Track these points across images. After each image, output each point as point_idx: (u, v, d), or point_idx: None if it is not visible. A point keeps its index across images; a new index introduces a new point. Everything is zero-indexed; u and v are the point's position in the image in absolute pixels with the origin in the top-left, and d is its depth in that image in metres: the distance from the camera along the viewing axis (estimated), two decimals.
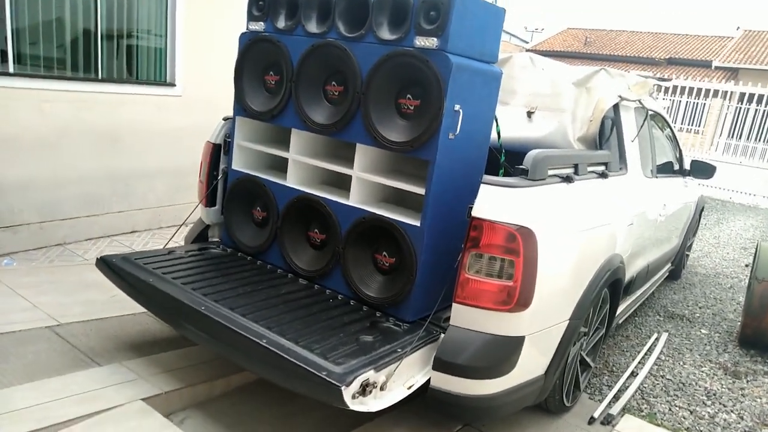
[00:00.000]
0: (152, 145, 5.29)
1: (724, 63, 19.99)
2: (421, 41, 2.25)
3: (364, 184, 2.59)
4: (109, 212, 5.14)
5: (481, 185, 2.20)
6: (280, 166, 3.09)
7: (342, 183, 2.80)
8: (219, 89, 4.78)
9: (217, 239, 3.24)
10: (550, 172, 2.53)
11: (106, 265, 2.60)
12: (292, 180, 2.81)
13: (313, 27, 2.59)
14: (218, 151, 3.16)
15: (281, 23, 2.70)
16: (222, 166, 3.17)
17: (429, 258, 2.41)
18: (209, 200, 3.18)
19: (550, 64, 3.67)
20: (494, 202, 2.20)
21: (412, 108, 2.37)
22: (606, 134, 3.35)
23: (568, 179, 2.60)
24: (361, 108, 2.43)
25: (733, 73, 19.51)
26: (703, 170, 4.88)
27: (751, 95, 14.77)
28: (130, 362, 2.62)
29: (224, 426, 2.42)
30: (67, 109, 4.63)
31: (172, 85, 5.43)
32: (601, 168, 3.13)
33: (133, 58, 5.18)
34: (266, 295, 2.50)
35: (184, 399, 2.50)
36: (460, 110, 2.29)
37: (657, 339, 4.09)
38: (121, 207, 5.23)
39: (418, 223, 2.36)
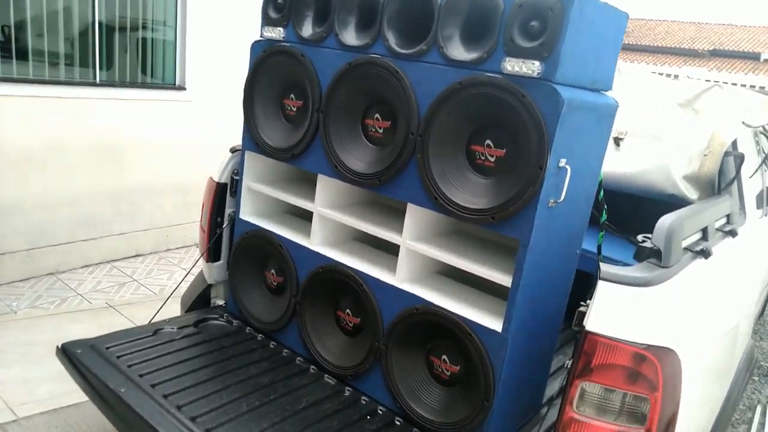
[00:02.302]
0: (160, 157, 4.64)
1: None
2: (513, 65, 1.50)
3: (417, 259, 1.87)
4: (110, 235, 4.51)
5: (599, 283, 1.46)
6: (302, 218, 2.38)
7: (385, 246, 2.08)
8: (236, 94, 4.09)
9: (222, 302, 2.56)
10: (683, 244, 1.78)
11: (68, 358, 1.93)
12: (318, 241, 2.10)
13: (351, 38, 1.86)
14: (223, 192, 2.46)
15: (307, 30, 1.97)
16: (228, 210, 2.47)
17: (513, 374, 1.68)
18: (212, 254, 2.50)
19: (637, 74, 2.88)
20: (619, 309, 1.46)
21: (493, 160, 1.63)
22: (726, 172, 2.56)
23: (703, 253, 1.84)
24: (417, 155, 1.70)
25: None
26: None
27: None
28: None
29: None
30: (59, 118, 4.00)
31: (182, 88, 4.76)
32: (724, 221, 2.36)
33: (136, 57, 4.51)
34: (281, 410, 1.80)
35: None
36: (567, 166, 1.54)
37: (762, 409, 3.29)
38: (124, 228, 4.60)
39: (498, 327, 1.63)
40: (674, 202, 2.61)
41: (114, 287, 4.11)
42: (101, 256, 4.49)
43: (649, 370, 1.44)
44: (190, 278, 2.74)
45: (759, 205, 2.99)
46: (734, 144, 2.59)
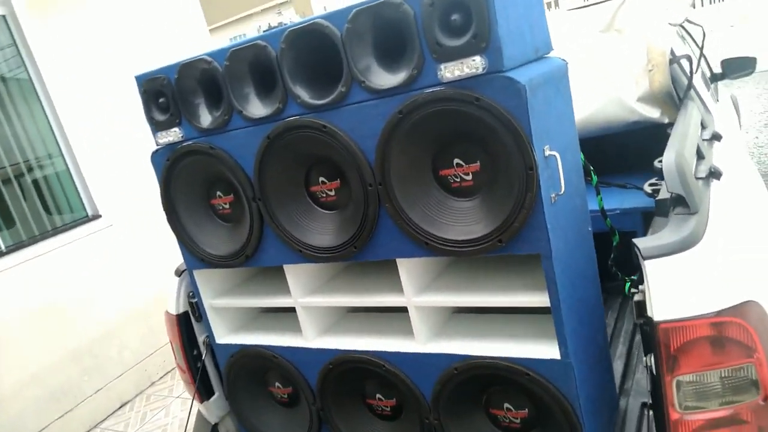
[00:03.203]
0: (103, 294, 4.22)
1: None
2: (452, 70, 1.28)
3: (431, 313, 1.62)
4: (85, 398, 4.06)
5: (647, 265, 1.25)
6: (284, 312, 2.10)
7: (394, 308, 1.82)
8: (157, 205, 3.75)
9: None
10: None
11: None
12: (312, 335, 1.82)
13: (256, 109, 1.60)
14: (187, 321, 2.14)
15: (206, 119, 1.70)
16: (201, 337, 2.15)
17: (591, 395, 1.46)
18: (203, 392, 2.17)
19: (562, 13, 2.76)
20: (679, 284, 1.25)
21: (469, 178, 1.40)
22: (679, 79, 2.43)
23: (715, 174, 1.67)
24: (386, 205, 1.46)
25: None
26: (741, 66, 3.93)
27: None
28: None
29: None
30: None
31: (97, 217, 4.35)
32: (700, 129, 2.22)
33: (36, 204, 4.09)
34: None
35: None
36: (554, 153, 1.33)
37: None
38: (97, 384, 4.15)
39: (556, 354, 1.40)
40: (641, 128, 2.47)
41: None
42: (85, 425, 4.03)
43: (739, 334, 1.24)
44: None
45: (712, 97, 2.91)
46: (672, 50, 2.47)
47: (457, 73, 1.28)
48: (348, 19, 1.35)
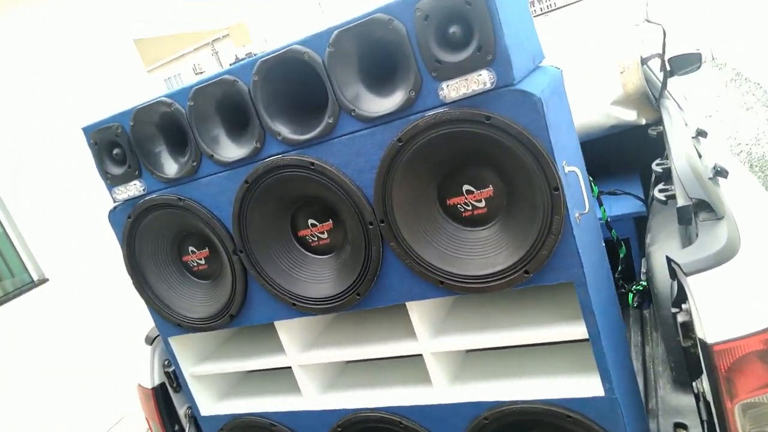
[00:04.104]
0: (55, 365, 3.84)
1: None
2: (456, 88, 1.14)
3: (448, 357, 1.46)
4: None
5: (689, 279, 1.14)
6: (276, 371, 1.89)
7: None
8: (113, 262, 3.47)
9: None
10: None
11: None
12: (312, 395, 1.62)
13: (230, 151, 1.41)
14: (165, 394, 1.90)
15: (170, 168, 1.50)
16: (181, 409, 1.91)
17: (638, 428, 1.32)
18: None
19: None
20: (728, 300, 1.14)
21: (482, 205, 1.25)
22: (652, 80, 2.39)
23: (722, 173, 1.60)
24: (390, 244, 1.29)
25: None
26: (688, 62, 4.00)
27: None
28: None
29: None
30: None
31: (43, 281, 3.98)
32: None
33: None
34: None
35: None
36: (574, 168, 1.21)
37: None
38: None
39: (599, 390, 1.26)
40: (620, 131, 2.42)
41: None
42: None
43: None
44: None
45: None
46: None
47: (462, 91, 1.14)
48: (329, 42, 1.20)
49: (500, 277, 1.23)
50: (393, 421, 1.48)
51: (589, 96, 2.37)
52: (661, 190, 1.59)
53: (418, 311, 1.39)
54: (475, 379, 1.46)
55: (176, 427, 1.91)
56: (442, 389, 1.44)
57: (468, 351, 1.60)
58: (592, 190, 1.72)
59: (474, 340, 1.37)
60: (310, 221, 1.45)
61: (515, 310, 1.45)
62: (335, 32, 1.19)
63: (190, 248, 1.63)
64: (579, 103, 2.38)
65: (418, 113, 1.19)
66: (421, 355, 1.44)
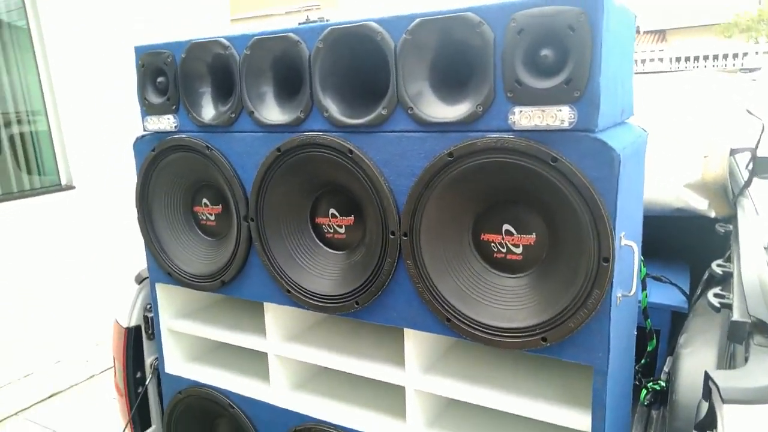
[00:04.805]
0: (61, 271, 3.85)
1: None
2: (528, 117, 1.01)
3: (433, 402, 1.33)
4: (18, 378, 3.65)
5: (725, 408, 0.98)
6: (250, 351, 1.79)
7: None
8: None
9: None
10: None
11: None
12: (281, 390, 1.51)
13: (273, 113, 1.31)
14: (137, 337, 1.82)
15: (208, 112, 1.41)
16: (149, 358, 1.83)
17: None
18: (139, 422, 1.84)
19: None
20: None
21: (519, 252, 1.12)
22: (736, 175, 2.20)
23: None
24: (406, 261, 1.17)
25: None
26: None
27: None
28: None
29: None
30: None
31: (70, 187, 4.00)
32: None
33: (6, 164, 3.73)
34: None
35: None
36: (631, 243, 1.06)
37: None
38: (37, 364, 3.76)
39: None
40: (685, 216, 2.23)
41: None
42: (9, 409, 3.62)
43: None
44: None
45: None
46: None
47: (534, 121, 1.01)
48: (408, 29, 1.09)
49: (514, 335, 1.09)
50: None
51: (664, 170, 2.19)
52: (716, 295, 1.42)
53: (414, 341, 1.26)
54: (449, 428, 1.32)
55: (138, 374, 1.83)
56: (414, 430, 1.30)
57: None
58: (641, 271, 1.56)
59: (465, 391, 1.24)
60: (332, 211, 1.33)
61: (521, 372, 1.30)
62: (417, 20, 1.08)
63: (204, 200, 1.54)
64: (651, 174, 2.21)
65: (479, 132, 1.06)
66: (404, 387, 1.31)
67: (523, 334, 1.08)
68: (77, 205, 3.98)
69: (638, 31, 19.85)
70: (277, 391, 1.51)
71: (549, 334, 1.05)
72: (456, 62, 1.09)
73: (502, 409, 1.18)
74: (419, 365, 1.28)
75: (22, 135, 3.85)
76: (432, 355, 1.33)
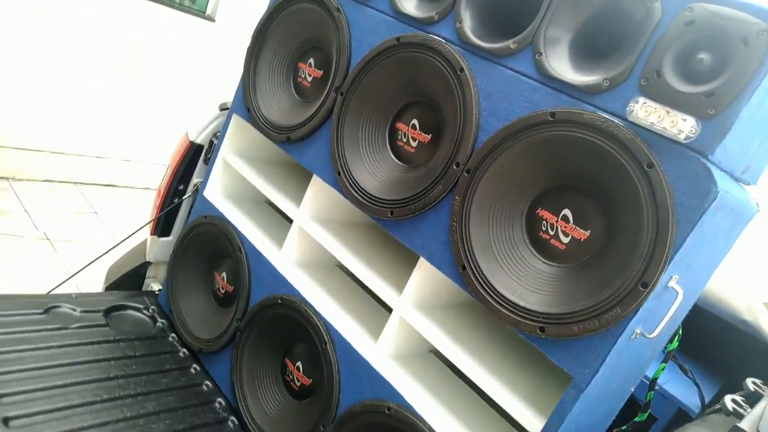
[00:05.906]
0: (178, 88, 4.10)
1: None
2: (648, 112, 0.93)
3: (412, 334, 1.32)
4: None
5: None
6: (281, 216, 1.84)
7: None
8: None
9: (158, 287, 2.01)
10: None
11: None
12: (289, 260, 1.55)
13: (410, 3, 1.29)
14: (196, 155, 1.91)
15: None
16: (196, 179, 1.93)
17: None
18: (161, 226, 1.95)
19: None
20: None
21: (566, 241, 1.06)
22: None
23: None
24: (455, 197, 1.14)
25: None
26: None
27: None
28: None
29: None
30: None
31: (211, 19, 4.19)
32: None
33: None
34: None
35: None
36: (678, 288, 0.98)
37: None
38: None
39: None
40: (745, 331, 2.05)
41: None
42: (68, 175, 3.96)
43: None
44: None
45: None
46: None
47: (651, 119, 0.93)
48: None
49: (514, 311, 1.05)
50: (321, 335, 1.38)
51: (751, 272, 2.01)
52: (733, 400, 1.30)
53: (422, 274, 1.24)
54: (414, 373, 1.31)
55: (180, 186, 1.93)
56: (381, 353, 1.31)
57: (430, 350, 1.45)
58: (674, 338, 1.45)
59: (441, 340, 1.21)
60: (414, 121, 1.31)
61: (508, 357, 1.27)
62: None
63: (310, 60, 1.55)
64: (736, 267, 2.03)
65: (589, 104, 1.00)
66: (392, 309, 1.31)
67: (524, 314, 1.03)
68: (211, 35, 4.18)
69: None
70: (284, 259, 1.55)
71: (549, 327, 1.00)
72: (607, 28, 1.01)
73: (468, 374, 1.15)
74: (415, 298, 1.27)
75: None
76: (432, 298, 1.31)
